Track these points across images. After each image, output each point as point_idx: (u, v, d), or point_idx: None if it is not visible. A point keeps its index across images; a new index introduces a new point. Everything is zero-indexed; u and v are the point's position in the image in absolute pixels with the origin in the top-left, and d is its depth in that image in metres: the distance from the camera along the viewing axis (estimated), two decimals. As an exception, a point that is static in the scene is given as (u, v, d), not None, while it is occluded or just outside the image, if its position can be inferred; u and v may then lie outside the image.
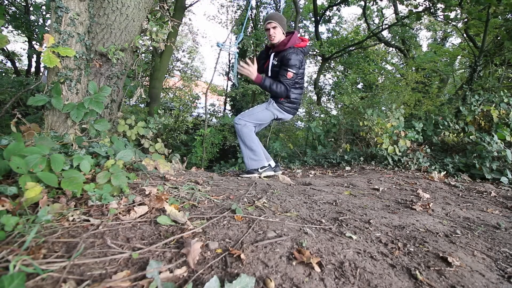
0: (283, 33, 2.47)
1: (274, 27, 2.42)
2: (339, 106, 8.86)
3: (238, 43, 3.62)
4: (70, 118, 1.83)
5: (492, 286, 0.89)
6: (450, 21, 6.47)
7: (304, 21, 13.69)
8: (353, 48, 11.92)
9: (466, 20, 6.21)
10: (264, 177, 2.52)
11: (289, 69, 2.35)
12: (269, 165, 2.63)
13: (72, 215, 1.03)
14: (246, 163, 2.64)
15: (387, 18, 12.31)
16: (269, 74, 2.54)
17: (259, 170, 2.55)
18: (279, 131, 8.83)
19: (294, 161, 4.47)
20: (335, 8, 11.81)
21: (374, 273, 0.87)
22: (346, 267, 0.89)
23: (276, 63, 2.47)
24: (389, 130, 3.73)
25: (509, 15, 5.23)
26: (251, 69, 2.46)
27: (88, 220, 1.03)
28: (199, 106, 10.91)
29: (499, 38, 5.51)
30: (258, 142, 2.65)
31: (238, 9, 12.39)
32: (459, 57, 9.39)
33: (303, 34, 13.46)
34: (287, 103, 2.57)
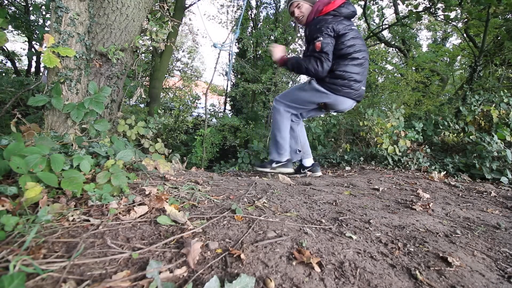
0: (311, 6, 2.11)
1: (298, 6, 2.10)
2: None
3: (236, 39, 3.62)
4: (70, 118, 1.83)
5: (492, 286, 0.89)
6: (450, 21, 6.47)
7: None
8: (353, 48, 11.90)
9: (466, 20, 6.21)
10: (280, 173, 2.32)
11: (315, 40, 1.94)
12: (288, 160, 2.37)
13: (72, 215, 1.03)
14: (269, 151, 2.41)
15: (387, 18, 12.31)
16: None
17: (273, 165, 2.32)
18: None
19: (294, 161, 4.47)
20: (335, 8, 11.79)
21: (374, 273, 0.87)
22: (346, 267, 0.89)
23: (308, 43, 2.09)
24: (389, 130, 3.73)
25: (509, 15, 5.23)
26: (275, 49, 2.16)
27: (88, 220, 1.03)
28: (199, 106, 10.91)
29: (499, 38, 5.51)
30: (286, 134, 2.31)
31: (238, 9, 12.39)
32: (459, 57, 9.39)
33: (303, 34, 13.46)
34: (330, 78, 2.05)
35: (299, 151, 2.62)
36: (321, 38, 1.93)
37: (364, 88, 2.21)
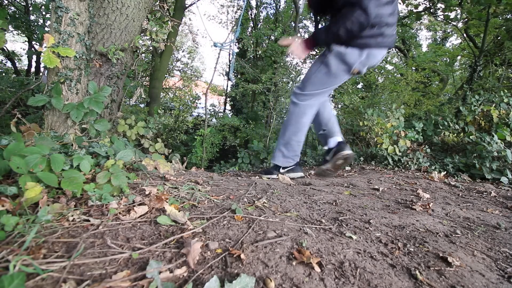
0: None
1: None
2: (339, 106, 8.86)
3: (236, 38, 3.62)
4: (70, 118, 1.83)
5: (492, 286, 0.89)
6: (450, 21, 6.47)
7: (304, 21, 13.68)
8: (353, 48, 11.91)
9: (466, 20, 6.21)
10: (291, 178, 2.09)
11: None
12: (297, 163, 2.09)
13: (72, 215, 1.03)
14: (274, 154, 2.05)
15: (387, 18, 12.29)
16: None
17: (281, 170, 2.07)
18: (279, 131, 8.83)
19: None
20: (335, 8, 11.79)
21: (374, 273, 0.87)
22: (346, 267, 0.89)
23: None
24: (389, 130, 3.73)
25: (509, 15, 5.23)
26: (292, 47, 1.73)
27: (88, 220, 1.03)
28: (199, 106, 10.92)
29: (499, 38, 5.52)
30: (303, 137, 1.98)
31: (238, 9, 12.39)
32: (459, 57, 9.39)
33: (303, 34, 13.44)
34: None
35: (324, 130, 2.15)
36: None
37: (395, 30, 1.75)
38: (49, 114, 1.88)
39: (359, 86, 12.61)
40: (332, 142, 2.17)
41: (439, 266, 0.96)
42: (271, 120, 7.16)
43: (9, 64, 8.62)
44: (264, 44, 10.04)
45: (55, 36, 1.79)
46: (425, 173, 3.17)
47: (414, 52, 10.57)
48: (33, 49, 7.85)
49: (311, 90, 1.79)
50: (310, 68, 1.82)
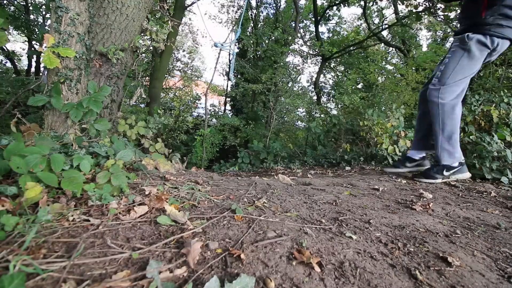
0: None
1: None
2: (339, 106, 8.87)
3: (237, 38, 3.61)
4: (70, 118, 1.83)
5: (492, 286, 0.89)
6: (450, 21, 6.47)
7: (305, 21, 13.68)
8: (353, 48, 11.93)
9: (466, 20, 6.20)
10: (453, 181, 1.87)
11: None
12: (462, 163, 1.91)
13: (72, 215, 1.03)
14: (439, 155, 1.85)
15: (387, 18, 12.31)
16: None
17: (445, 172, 1.85)
18: (279, 131, 8.84)
19: (294, 161, 4.48)
20: (335, 8, 11.80)
21: (374, 273, 0.87)
22: (346, 267, 0.89)
23: None
24: (389, 130, 3.73)
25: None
26: None
27: (88, 220, 1.03)
28: (200, 106, 10.92)
29: (499, 38, 5.51)
30: (459, 123, 1.81)
31: (238, 9, 12.38)
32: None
33: (303, 33, 13.44)
34: (496, 17, 1.50)
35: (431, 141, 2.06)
36: None
37: None
38: (49, 114, 1.88)
39: (359, 86, 12.62)
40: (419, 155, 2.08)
41: (439, 266, 0.96)
42: (271, 120, 7.16)
43: (9, 64, 8.63)
44: (264, 44, 10.03)
45: (55, 36, 1.79)
46: (425, 173, 3.17)
47: (415, 52, 10.57)
48: (33, 49, 7.85)
49: (456, 79, 1.71)
50: (451, 59, 1.72)
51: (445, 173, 1.87)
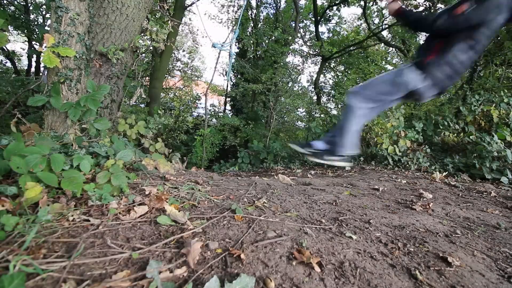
0: None
1: None
2: (339, 106, 8.86)
3: (236, 38, 3.60)
4: (69, 117, 1.83)
5: (492, 286, 0.89)
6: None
7: (305, 21, 13.67)
8: (353, 48, 11.92)
9: (466, 20, 6.19)
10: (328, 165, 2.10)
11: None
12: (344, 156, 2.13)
13: (72, 215, 1.03)
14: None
15: (387, 18, 12.31)
16: None
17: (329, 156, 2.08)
18: (279, 131, 8.83)
19: (294, 161, 4.48)
20: (335, 8, 11.80)
21: (374, 273, 0.87)
22: (346, 267, 0.89)
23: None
24: (389, 130, 3.73)
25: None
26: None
27: (88, 220, 1.03)
28: (200, 106, 10.91)
29: (499, 38, 5.51)
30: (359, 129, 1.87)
31: (238, 9, 12.37)
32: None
33: (303, 33, 13.43)
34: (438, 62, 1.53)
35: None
36: (468, 6, 1.41)
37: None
38: (49, 114, 1.88)
39: (359, 86, 12.60)
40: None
41: (439, 266, 0.96)
42: (271, 120, 7.16)
43: (9, 64, 8.63)
44: (264, 44, 10.03)
45: (55, 36, 1.79)
46: (425, 173, 3.17)
47: (415, 52, 10.55)
48: (33, 48, 7.85)
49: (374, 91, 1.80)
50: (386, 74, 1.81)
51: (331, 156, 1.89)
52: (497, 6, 1.44)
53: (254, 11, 11.75)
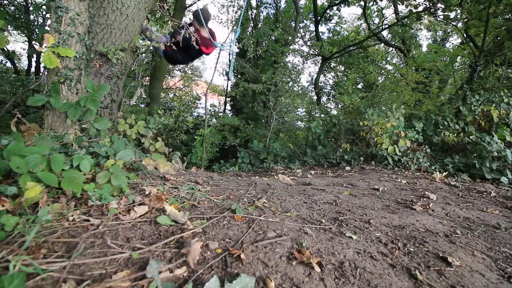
0: None
1: None
2: (339, 106, 8.86)
3: (236, 38, 3.60)
4: (69, 117, 1.82)
5: (492, 286, 0.89)
6: (450, 21, 6.47)
7: (305, 21, 13.67)
8: (353, 48, 11.92)
9: (466, 20, 6.20)
10: None
11: None
12: None
13: (72, 215, 1.03)
14: None
15: (387, 18, 12.31)
16: None
17: None
18: (279, 131, 8.83)
19: (294, 161, 4.48)
20: (335, 8, 11.80)
21: (374, 273, 0.87)
22: (346, 267, 0.89)
23: None
24: (389, 130, 3.73)
25: (509, 15, 5.23)
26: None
27: (88, 220, 1.03)
28: (200, 106, 10.91)
29: (499, 38, 5.51)
30: None
31: (238, 9, 12.36)
32: (459, 57, 9.40)
33: (303, 33, 13.43)
34: None
35: None
36: None
37: None
38: (49, 114, 1.87)
39: (359, 86, 12.62)
40: None
41: (439, 266, 0.96)
42: (271, 120, 7.16)
43: (9, 64, 8.62)
44: (264, 44, 10.03)
45: (55, 36, 1.79)
46: (425, 173, 3.17)
47: (414, 52, 10.55)
48: (33, 48, 7.85)
49: None
50: None
51: None
52: None
53: (254, 11, 11.75)
